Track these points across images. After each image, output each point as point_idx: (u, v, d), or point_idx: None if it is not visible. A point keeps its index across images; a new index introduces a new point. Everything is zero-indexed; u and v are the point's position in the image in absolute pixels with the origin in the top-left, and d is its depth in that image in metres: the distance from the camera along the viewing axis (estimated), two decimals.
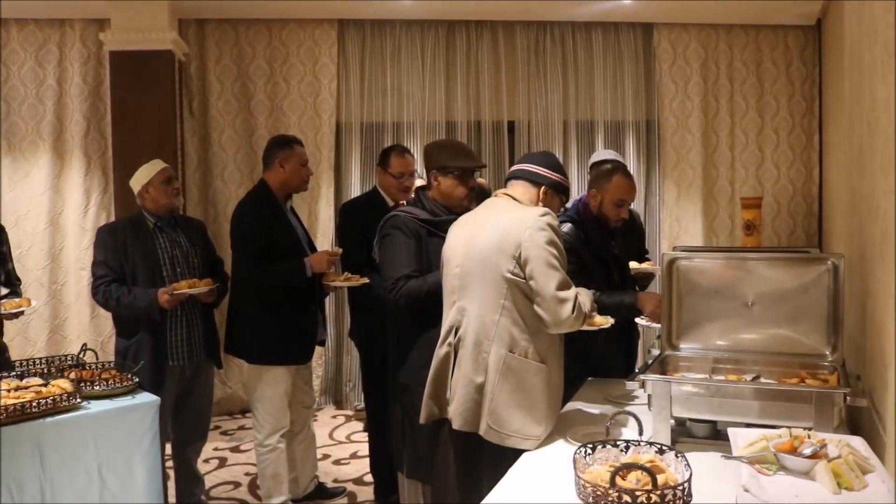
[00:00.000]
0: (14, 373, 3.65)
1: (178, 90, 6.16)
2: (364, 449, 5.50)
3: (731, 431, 2.32)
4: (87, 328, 6.27)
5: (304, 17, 6.42)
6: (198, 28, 6.38)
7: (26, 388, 3.36)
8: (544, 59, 6.71)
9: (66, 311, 6.30)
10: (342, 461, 5.32)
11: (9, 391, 3.30)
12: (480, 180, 4.66)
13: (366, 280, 4.07)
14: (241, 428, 6.08)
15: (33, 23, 6.20)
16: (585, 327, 2.74)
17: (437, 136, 6.59)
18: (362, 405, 6.38)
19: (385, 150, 4.44)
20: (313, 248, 4.31)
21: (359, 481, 4.93)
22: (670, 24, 6.67)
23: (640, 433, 2.42)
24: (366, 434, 5.81)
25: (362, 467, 5.14)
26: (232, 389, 6.38)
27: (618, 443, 2.26)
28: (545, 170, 2.91)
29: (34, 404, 3.22)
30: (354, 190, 6.54)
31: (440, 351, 2.88)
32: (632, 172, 4.38)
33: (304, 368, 4.31)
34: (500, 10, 6.42)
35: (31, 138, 6.25)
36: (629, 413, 2.44)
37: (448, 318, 2.87)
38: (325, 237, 6.39)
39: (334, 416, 6.40)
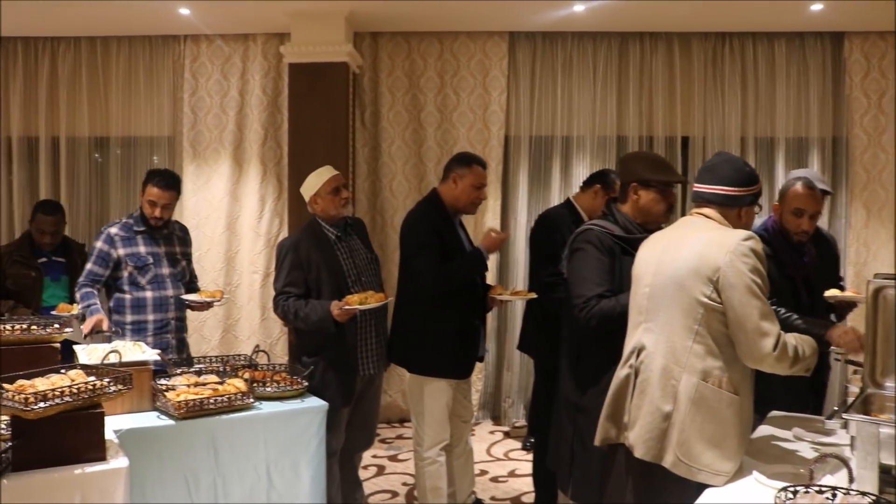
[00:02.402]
0: (193, 369, 3.81)
1: (352, 101, 6.30)
2: (522, 468, 5.39)
3: None
4: (258, 330, 6.51)
5: (476, 30, 6.43)
6: (372, 41, 6.51)
7: (204, 384, 3.49)
8: (722, 72, 6.42)
9: (239, 312, 6.56)
10: (500, 479, 5.23)
11: (188, 386, 3.43)
12: None
13: (533, 295, 3.99)
14: (400, 437, 6.12)
15: (220, 38, 6.53)
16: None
17: (608, 151, 6.43)
18: (521, 422, 6.30)
19: (615, 174, 4.27)
20: None
21: (516, 501, 4.83)
22: (864, 33, 6.21)
23: (851, 480, 2.18)
24: (524, 452, 5.73)
25: (520, 486, 5.04)
26: (392, 398, 6.43)
27: (823, 489, 2.04)
28: (737, 189, 2.65)
29: (211, 401, 3.33)
30: (522, 204, 6.48)
31: (621, 372, 2.73)
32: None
33: (464, 382, 4.24)
34: (676, 21, 6.19)
35: (213, 146, 6.58)
36: (837, 456, 2.20)
37: (632, 339, 2.72)
38: None
39: (492, 432, 6.32)
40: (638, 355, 2.67)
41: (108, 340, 3.99)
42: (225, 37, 6.53)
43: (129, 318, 4.21)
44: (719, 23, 6.20)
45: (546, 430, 4.10)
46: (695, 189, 2.76)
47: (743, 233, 2.52)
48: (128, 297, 4.23)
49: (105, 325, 4.06)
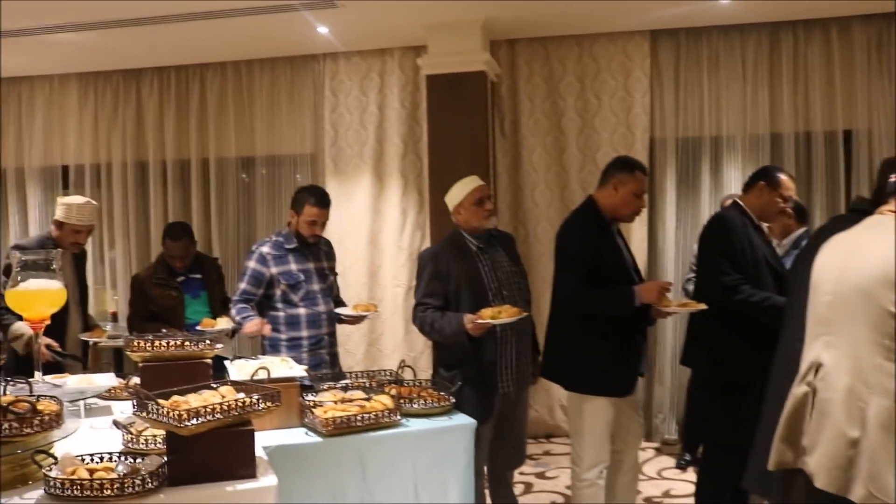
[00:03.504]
0: (339, 385, 3.78)
1: (490, 110, 6.22)
2: (677, 487, 5.11)
3: None
4: (402, 343, 6.51)
5: (615, 31, 6.21)
6: (508, 48, 6.41)
7: (350, 400, 3.44)
8: (888, 57, 5.89)
9: (383, 326, 6.59)
10: (654, 499, 4.96)
11: (335, 402, 3.40)
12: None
13: (703, 306, 3.69)
14: (547, 453, 5.94)
15: (358, 55, 6.60)
16: None
17: (761, 151, 6.06)
18: (673, 437, 6.01)
19: (778, 170, 4.08)
20: (639, 274, 4.00)
21: None
22: None
23: None
24: (678, 471, 5.44)
25: None
26: (538, 412, 6.26)
27: None
28: None
29: (359, 418, 3.27)
30: (670, 210, 6.20)
31: (798, 390, 2.46)
32: None
33: (632, 397, 3.99)
34: (833, 5, 5.74)
35: (355, 162, 6.66)
36: None
37: (811, 353, 2.45)
38: (638, 258, 6.04)
39: (643, 449, 6.02)
40: (817, 372, 2.40)
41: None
42: (362, 53, 6.60)
43: (283, 335, 4.25)
44: (883, 3, 5.69)
45: (715, 446, 3.90)
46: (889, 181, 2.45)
47: None
48: (281, 314, 4.26)
49: (267, 330, 4.14)
